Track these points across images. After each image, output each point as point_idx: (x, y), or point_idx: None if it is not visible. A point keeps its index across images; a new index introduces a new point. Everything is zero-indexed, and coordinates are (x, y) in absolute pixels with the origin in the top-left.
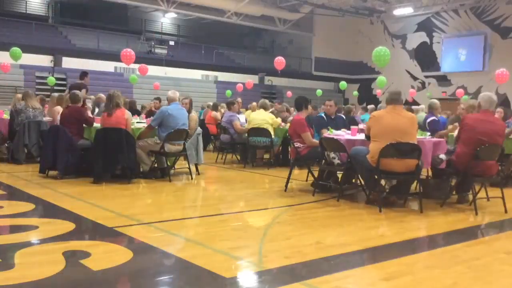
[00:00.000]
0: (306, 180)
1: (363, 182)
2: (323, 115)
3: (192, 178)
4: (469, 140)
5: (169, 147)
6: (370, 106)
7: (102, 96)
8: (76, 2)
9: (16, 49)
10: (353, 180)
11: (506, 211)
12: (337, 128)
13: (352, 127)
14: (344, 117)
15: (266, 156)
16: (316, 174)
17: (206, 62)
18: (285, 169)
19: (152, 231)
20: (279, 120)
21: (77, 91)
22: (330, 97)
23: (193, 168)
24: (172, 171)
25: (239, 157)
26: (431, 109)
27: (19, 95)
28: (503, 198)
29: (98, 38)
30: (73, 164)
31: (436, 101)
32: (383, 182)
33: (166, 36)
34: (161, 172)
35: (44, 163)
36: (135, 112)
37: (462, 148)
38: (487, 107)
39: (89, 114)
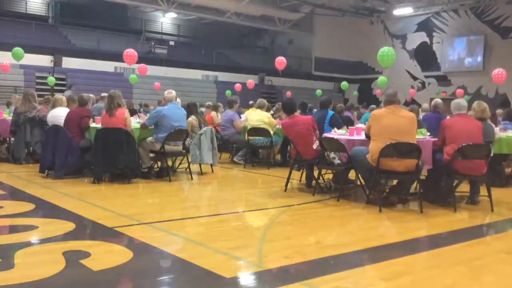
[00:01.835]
0: (300, 180)
1: (363, 182)
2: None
3: (191, 178)
4: (454, 141)
5: (165, 147)
6: (372, 107)
7: (93, 96)
8: (76, 2)
9: (18, 49)
10: (351, 179)
11: (492, 210)
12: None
13: (349, 127)
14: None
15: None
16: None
17: (206, 62)
18: (285, 169)
19: (152, 231)
20: (275, 120)
21: (85, 94)
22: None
23: (193, 168)
24: (171, 171)
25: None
26: (438, 109)
27: (18, 96)
28: (490, 196)
29: (98, 38)
30: (72, 165)
31: (440, 100)
32: (383, 181)
33: (166, 36)
34: (161, 172)
35: (44, 163)
36: (132, 112)
37: (450, 148)
38: (457, 111)
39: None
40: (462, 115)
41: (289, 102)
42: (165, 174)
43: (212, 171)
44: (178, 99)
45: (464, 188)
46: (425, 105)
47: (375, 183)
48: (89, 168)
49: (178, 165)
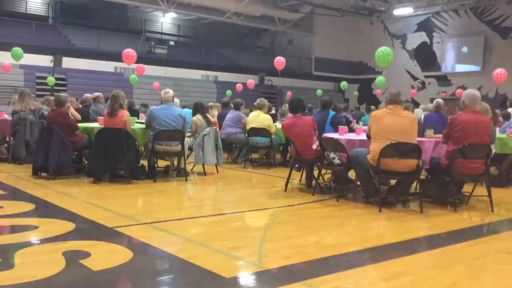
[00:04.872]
0: (300, 180)
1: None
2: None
3: (186, 180)
4: (460, 141)
5: (156, 147)
6: (373, 107)
7: (89, 96)
8: (76, 2)
9: (17, 49)
10: (351, 178)
11: (492, 210)
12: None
13: (340, 127)
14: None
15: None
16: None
17: (206, 62)
18: (285, 169)
19: (152, 231)
20: (274, 125)
21: (62, 94)
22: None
23: (197, 168)
24: (172, 171)
25: (233, 157)
26: (440, 109)
27: (16, 96)
28: (490, 197)
29: (98, 38)
30: (65, 164)
31: (442, 101)
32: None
33: (166, 36)
34: (151, 172)
35: (37, 163)
36: (133, 112)
37: (452, 148)
38: (471, 105)
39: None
40: (475, 113)
41: (296, 101)
42: (154, 174)
43: (217, 171)
44: (176, 100)
45: (464, 188)
46: (429, 105)
47: (374, 189)
48: (85, 168)
49: (169, 164)
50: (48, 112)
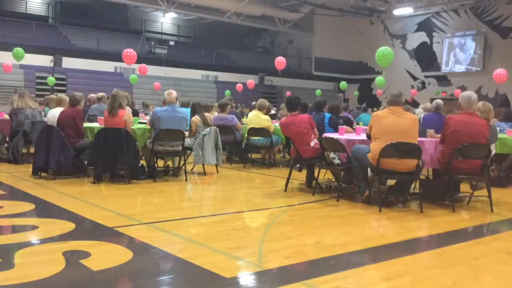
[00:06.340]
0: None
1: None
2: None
3: (186, 180)
4: (453, 141)
5: (156, 147)
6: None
7: (93, 95)
8: (76, 2)
9: (18, 50)
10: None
11: (492, 210)
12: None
13: (339, 127)
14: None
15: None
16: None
17: (206, 62)
18: (285, 169)
19: (152, 231)
20: (273, 125)
21: (77, 93)
22: (330, 97)
23: (197, 168)
24: (172, 171)
25: (234, 157)
26: (439, 110)
27: (15, 97)
28: (489, 197)
29: (98, 38)
30: (65, 165)
31: (441, 101)
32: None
33: (166, 36)
34: (151, 172)
35: (36, 163)
36: (133, 112)
37: (446, 148)
38: (467, 107)
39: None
40: (469, 114)
41: (292, 99)
42: (154, 174)
43: (217, 171)
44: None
45: (465, 188)
46: (428, 105)
47: (368, 184)
48: (86, 170)
49: (182, 165)
50: (62, 111)
